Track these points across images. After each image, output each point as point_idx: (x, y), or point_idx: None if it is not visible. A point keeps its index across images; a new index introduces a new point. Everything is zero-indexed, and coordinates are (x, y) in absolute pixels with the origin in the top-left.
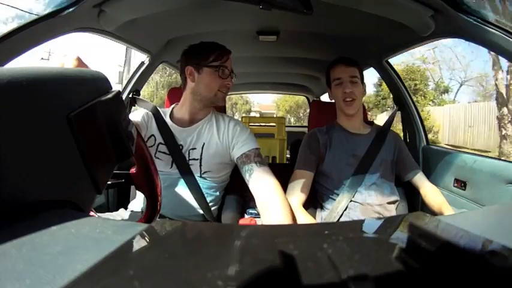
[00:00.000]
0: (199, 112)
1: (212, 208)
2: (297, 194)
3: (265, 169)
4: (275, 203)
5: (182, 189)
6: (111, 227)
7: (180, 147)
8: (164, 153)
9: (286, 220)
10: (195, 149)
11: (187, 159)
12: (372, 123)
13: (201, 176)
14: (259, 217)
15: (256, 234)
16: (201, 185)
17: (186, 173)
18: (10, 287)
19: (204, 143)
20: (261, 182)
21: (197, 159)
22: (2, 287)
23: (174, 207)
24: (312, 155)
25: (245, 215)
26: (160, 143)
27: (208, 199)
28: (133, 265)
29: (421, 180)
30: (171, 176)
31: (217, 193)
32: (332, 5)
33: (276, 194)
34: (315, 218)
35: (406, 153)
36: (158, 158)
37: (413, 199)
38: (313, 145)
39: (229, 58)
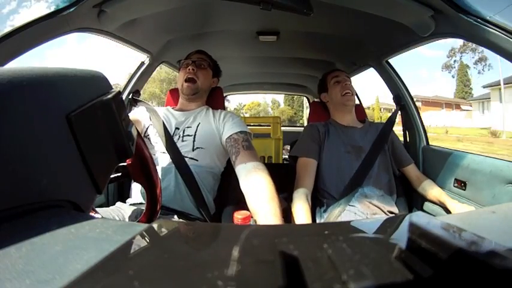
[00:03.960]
0: (188, 105)
1: (207, 201)
2: (305, 184)
3: (251, 152)
4: (258, 184)
5: (174, 176)
6: (111, 227)
7: (176, 129)
8: (156, 136)
9: (269, 201)
10: (190, 127)
11: (181, 135)
12: (363, 121)
13: (193, 150)
14: None
15: (257, 234)
16: (192, 168)
17: (176, 156)
18: (10, 287)
19: (199, 123)
20: (245, 164)
21: (191, 135)
22: (2, 287)
23: (167, 198)
24: (314, 144)
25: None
26: (149, 125)
27: (202, 186)
28: (134, 265)
29: (414, 171)
30: (163, 161)
31: (210, 179)
32: (332, 5)
33: (259, 175)
34: (315, 215)
35: (397, 143)
36: (150, 142)
37: (412, 195)
38: (314, 134)
39: (198, 53)
